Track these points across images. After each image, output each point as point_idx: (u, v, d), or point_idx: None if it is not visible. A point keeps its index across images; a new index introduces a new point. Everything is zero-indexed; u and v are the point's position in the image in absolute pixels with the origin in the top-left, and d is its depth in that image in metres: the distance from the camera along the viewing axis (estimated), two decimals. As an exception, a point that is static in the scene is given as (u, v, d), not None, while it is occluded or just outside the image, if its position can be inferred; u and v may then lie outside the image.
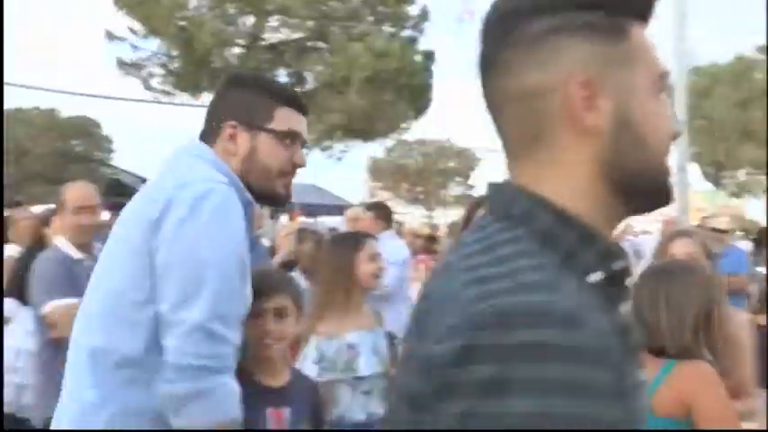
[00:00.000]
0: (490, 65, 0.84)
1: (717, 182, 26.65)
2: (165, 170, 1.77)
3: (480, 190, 33.83)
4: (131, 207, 1.75)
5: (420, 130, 28.39)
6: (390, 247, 4.67)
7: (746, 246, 8.92)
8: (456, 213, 25.73)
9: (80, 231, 3.28)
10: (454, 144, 31.49)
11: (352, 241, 2.99)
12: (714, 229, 6.42)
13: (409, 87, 15.12)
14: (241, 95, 1.82)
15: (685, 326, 1.95)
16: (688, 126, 12.05)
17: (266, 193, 1.80)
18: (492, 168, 34.94)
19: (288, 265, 4.51)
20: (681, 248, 2.56)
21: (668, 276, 2.08)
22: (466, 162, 32.29)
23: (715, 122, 23.33)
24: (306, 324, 2.64)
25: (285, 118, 1.81)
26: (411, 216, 28.34)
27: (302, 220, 14.61)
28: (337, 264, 2.89)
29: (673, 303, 1.99)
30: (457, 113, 61.16)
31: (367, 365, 2.81)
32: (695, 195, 30.07)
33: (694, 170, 24.24)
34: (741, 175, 26.19)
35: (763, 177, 24.49)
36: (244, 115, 1.78)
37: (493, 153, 41.74)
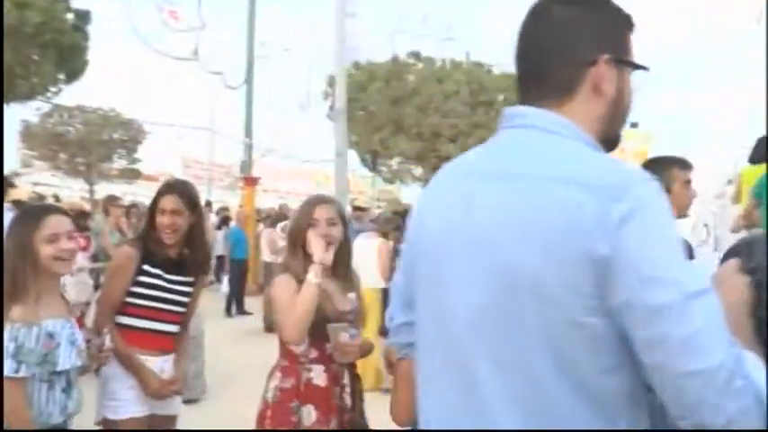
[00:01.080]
0: None
1: (374, 168, 28.37)
2: (517, 165, 1.29)
3: (147, 164, 30.63)
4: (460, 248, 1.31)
5: (77, 95, 25.39)
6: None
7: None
8: (119, 188, 24.41)
9: None
10: (120, 114, 29.11)
11: (32, 218, 2.59)
12: (357, 208, 9.24)
13: (57, 46, 13.61)
14: (601, 17, 1.37)
15: None
16: (348, 116, 13.07)
17: (615, 142, 1.42)
18: (159, 142, 31.54)
19: None
20: (322, 214, 2.90)
21: None
22: (132, 134, 29.91)
23: (372, 115, 24.91)
24: None
25: (633, 46, 1.40)
26: (70, 190, 26.92)
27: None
28: (17, 243, 2.52)
29: None
30: (121, 82, 54.21)
31: (65, 358, 2.50)
32: (357, 179, 31.45)
33: (353, 156, 25.96)
34: (394, 163, 27.99)
35: (412, 167, 27.32)
36: (613, 45, 1.35)
37: (160, 126, 25.23)
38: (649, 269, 1.14)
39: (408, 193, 31.61)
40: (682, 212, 3.46)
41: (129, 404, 3.08)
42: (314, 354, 2.85)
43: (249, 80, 16.56)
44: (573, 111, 1.34)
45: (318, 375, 2.83)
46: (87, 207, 12.29)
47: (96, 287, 7.33)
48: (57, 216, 2.67)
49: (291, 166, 34.62)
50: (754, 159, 5.87)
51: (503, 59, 28.67)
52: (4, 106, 14.70)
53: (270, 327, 10.53)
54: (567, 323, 1.20)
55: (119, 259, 3.23)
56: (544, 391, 1.22)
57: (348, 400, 2.89)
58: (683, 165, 3.53)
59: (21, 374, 2.38)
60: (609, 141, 1.40)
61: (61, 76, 15.08)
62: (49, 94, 15.92)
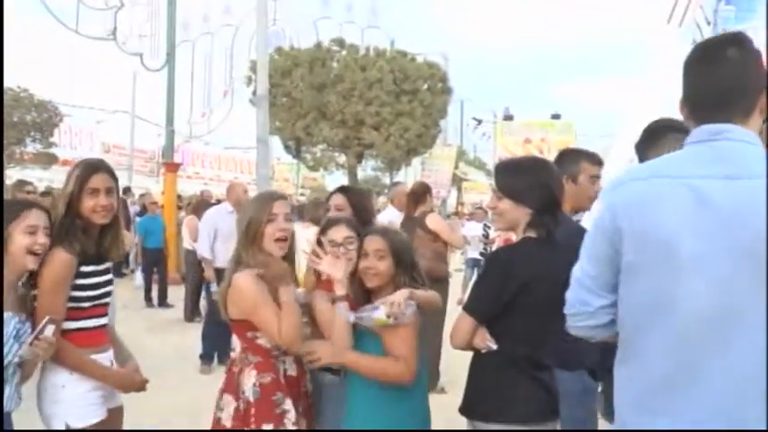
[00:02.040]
0: None
1: (297, 155, 28.07)
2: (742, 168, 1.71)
3: (64, 148, 29.06)
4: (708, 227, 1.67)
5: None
6: None
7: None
8: (34, 174, 23.67)
9: None
10: (33, 95, 27.65)
11: (9, 211, 2.63)
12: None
13: (-42, 23, 12.50)
14: (758, 54, 1.83)
15: None
16: (271, 102, 13.12)
17: None
18: (77, 125, 30.66)
19: None
20: (281, 209, 2.93)
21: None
22: (47, 117, 28.12)
23: (295, 101, 24.66)
24: None
25: None
26: (-21, 174, 27.12)
27: None
28: None
29: None
30: (35, 62, 49.07)
31: (5, 352, 2.50)
32: (281, 166, 32.28)
33: (277, 143, 26.38)
34: (318, 150, 27.85)
35: (335, 154, 27.45)
36: (765, 74, 1.82)
37: (78, 109, 24.33)
38: None
39: (332, 181, 31.69)
40: (582, 204, 3.55)
41: (97, 407, 2.93)
42: None
43: (171, 63, 16.21)
44: (751, 126, 1.79)
45: (291, 366, 2.92)
46: (-3, 193, 11.80)
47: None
48: (37, 211, 2.73)
49: (214, 152, 34.44)
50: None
51: (426, 48, 29.02)
52: None
53: (190, 317, 10.43)
54: None
55: (60, 270, 2.81)
56: None
57: (309, 386, 3.03)
58: (593, 159, 3.64)
59: None
60: None
61: (-37, 54, 14.20)
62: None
